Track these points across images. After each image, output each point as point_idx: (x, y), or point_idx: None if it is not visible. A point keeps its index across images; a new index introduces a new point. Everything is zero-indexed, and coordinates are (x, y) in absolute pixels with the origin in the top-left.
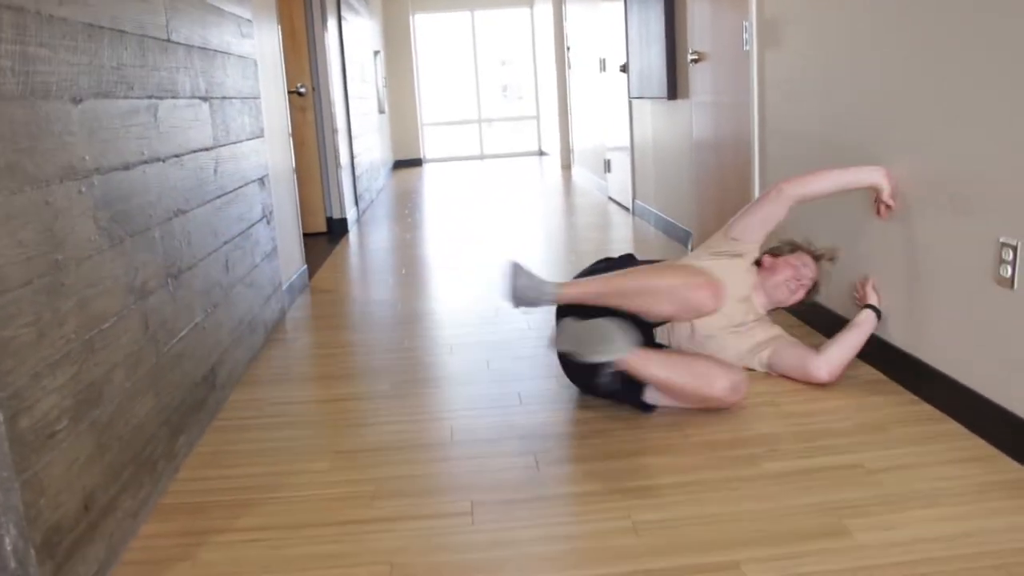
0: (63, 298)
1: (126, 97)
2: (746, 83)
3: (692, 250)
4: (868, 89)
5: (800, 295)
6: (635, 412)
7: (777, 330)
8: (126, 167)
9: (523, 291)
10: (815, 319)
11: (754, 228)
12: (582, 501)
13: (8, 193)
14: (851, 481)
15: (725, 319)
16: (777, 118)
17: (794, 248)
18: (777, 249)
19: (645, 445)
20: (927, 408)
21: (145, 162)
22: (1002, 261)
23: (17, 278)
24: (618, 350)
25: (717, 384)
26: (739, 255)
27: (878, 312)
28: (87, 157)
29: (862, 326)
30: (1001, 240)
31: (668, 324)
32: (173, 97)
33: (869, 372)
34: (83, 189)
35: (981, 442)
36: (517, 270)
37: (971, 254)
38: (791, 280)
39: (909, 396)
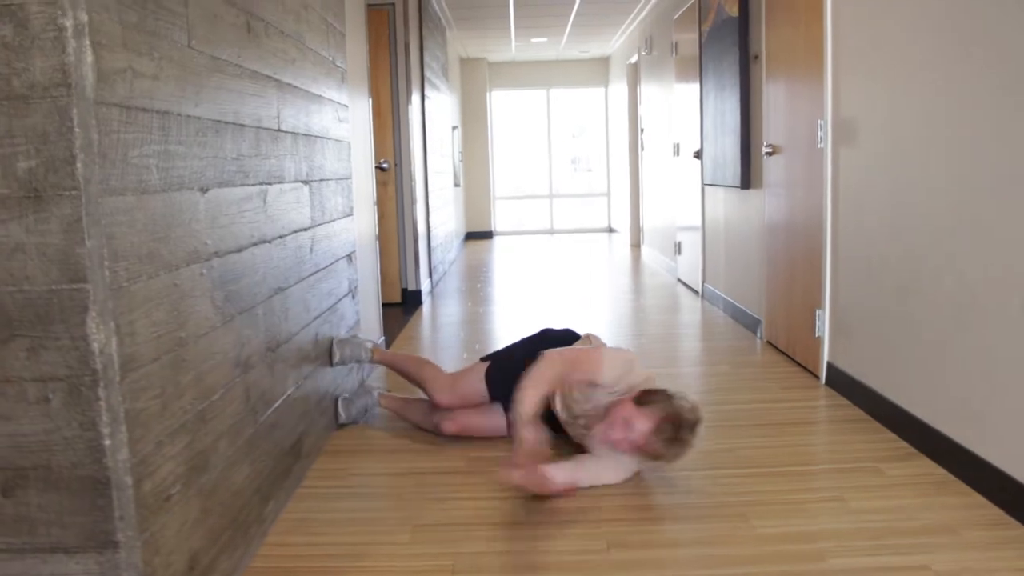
0: (183, 372)
1: (242, 185)
2: (819, 178)
3: (760, 338)
4: (939, 189)
5: (626, 450)
6: (702, 500)
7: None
8: (239, 249)
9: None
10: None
11: None
12: None
13: (147, 278)
14: None
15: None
16: (849, 213)
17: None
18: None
19: (712, 534)
20: (997, 512)
21: (255, 244)
22: None
23: (149, 354)
24: None
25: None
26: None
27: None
28: (209, 242)
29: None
30: None
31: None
32: (280, 182)
33: (937, 471)
34: (204, 271)
35: None
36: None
37: None
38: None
39: (979, 499)
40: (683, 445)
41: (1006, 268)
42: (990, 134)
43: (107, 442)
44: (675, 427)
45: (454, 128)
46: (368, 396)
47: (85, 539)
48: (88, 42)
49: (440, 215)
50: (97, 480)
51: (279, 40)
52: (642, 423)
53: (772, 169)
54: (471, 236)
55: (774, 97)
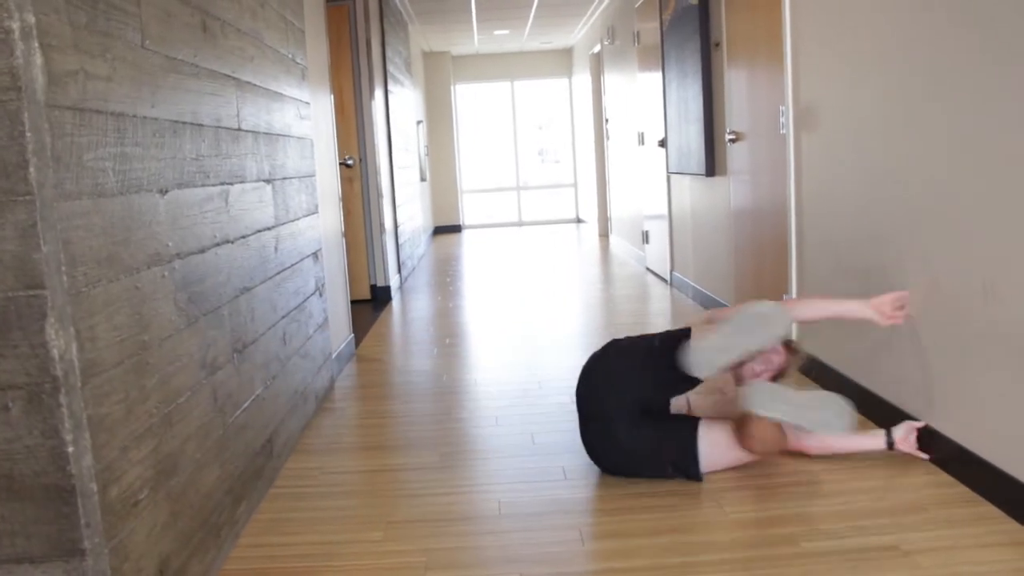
0: (148, 376)
1: (203, 185)
2: (783, 164)
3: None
4: (901, 172)
5: (767, 376)
6: (675, 488)
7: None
8: (202, 250)
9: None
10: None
11: None
12: None
13: (107, 282)
14: (889, 562)
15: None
16: (813, 198)
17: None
18: None
19: (686, 522)
20: (964, 490)
21: (217, 244)
22: None
23: (112, 359)
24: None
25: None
26: None
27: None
28: (170, 243)
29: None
30: None
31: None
32: (241, 182)
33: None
34: (166, 273)
35: (1019, 526)
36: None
37: (1008, 340)
38: (760, 363)
39: (946, 478)
40: (798, 350)
41: (969, 251)
42: (952, 116)
43: (70, 449)
44: (787, 343)
45: (419, 123)
46: None
47: (51, 548)
48: (37, 44)
49: (407, 210)
50: (61, 488)
51: (236, 38)
52: (776, 354)
53: (736, 156)
54: (440, 230)
55: (736, 84)
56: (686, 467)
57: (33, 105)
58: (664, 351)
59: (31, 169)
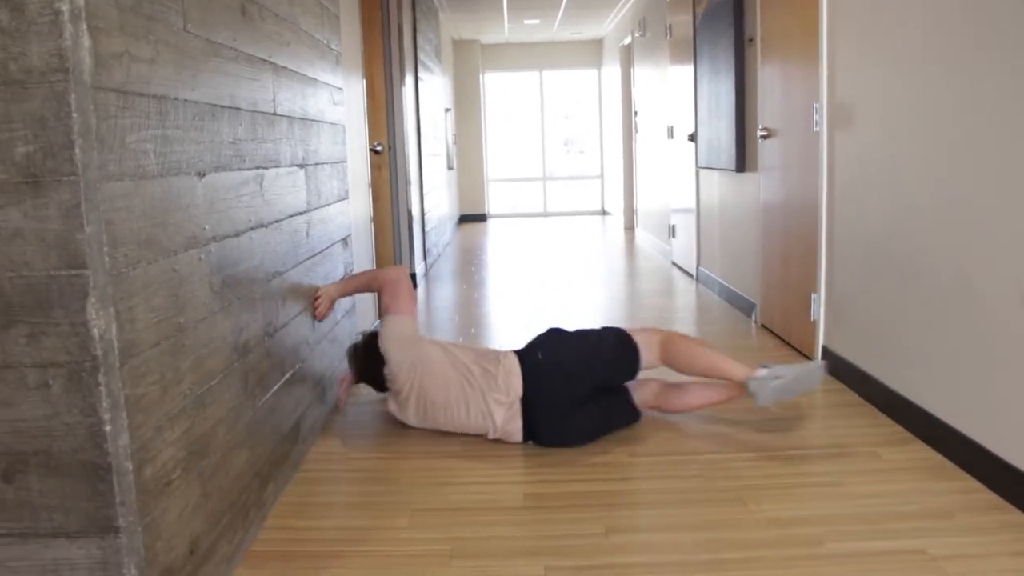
0: (183, 357)
1: (239, 169)
2: (815, 162)
3: (754, 321)
4: (937, 176)
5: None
6: (701, 485)
7: None
8: (237, 234)
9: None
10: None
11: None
12: (648, 571)
13: (146, 263)
14: (914, 567)
15: None
16: (845, 198)
17: None
18: None
19: (711, 519)
20: (994, 497)
21: (252, 228)
22: None
23: (149, 340)
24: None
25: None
26: None
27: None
28: (207, 226)
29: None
30: None
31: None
32: (276, 166)
33: (934, 456)
34: (202, 256)
35: None
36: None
37: None
38: None
39: (975, 483)
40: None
41: (1005, 257)
42: (990, 120)
43: (108, 428)
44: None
45: (447, 110)
46: None
47: (87, 524)
48: (85, 26)
49: (434, 198)
50: (98, 465)
51: (274, 23)
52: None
53: (767, 152)
54: (465, 219)
55: (769, 80)
56: (631, 417)
57: (80, 87)
58: (612, 361)
59: (76, 150)
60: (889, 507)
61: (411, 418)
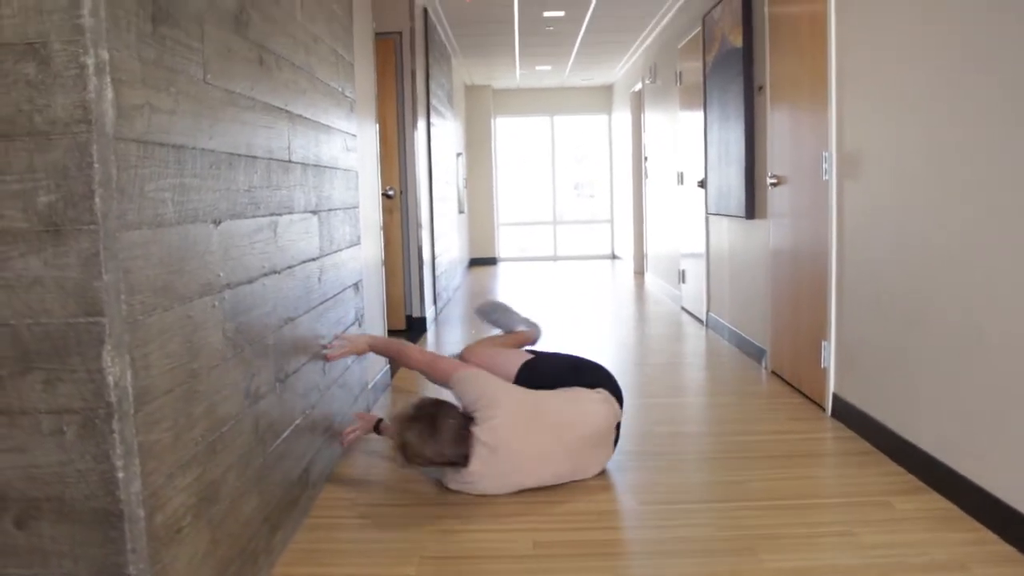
0: (195, 404)
1: (254, 216)
2: (824, 210)
3: (765, 368)
4: (945, 222)
5: None
6: (713, 534)
7: None
8: (250, 281)
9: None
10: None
11: None
12: None
13: (162, 311)
14: None
15: None
16: (855, 244)
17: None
18: None
19: (722, 568)
20: (1006, 548)
21: (265, 275)
22: None
23: (163, 387)
24: None
25: None
26: None
27: None
28: (221, 273)
29: None
30: None
31: None
32: (290, 213)
33: (946, 505)
34: (216, 303)
35: None
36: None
37: None
38: None
39: (988, 535)
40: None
41: (1013, 302)
42: (997, 165)
43: (120, 475)
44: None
45: (458, 155)
46: None
47: (97, 571)
48: (109, 79)
49: (445, 241)
50: (110, 512)
51: (290, 72)
52: None
53: (777, 199)
54: (475, 262)
55: (779, 127)
56: None
57: (102, 138)
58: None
59: (96, 199)
60: (901, 557)
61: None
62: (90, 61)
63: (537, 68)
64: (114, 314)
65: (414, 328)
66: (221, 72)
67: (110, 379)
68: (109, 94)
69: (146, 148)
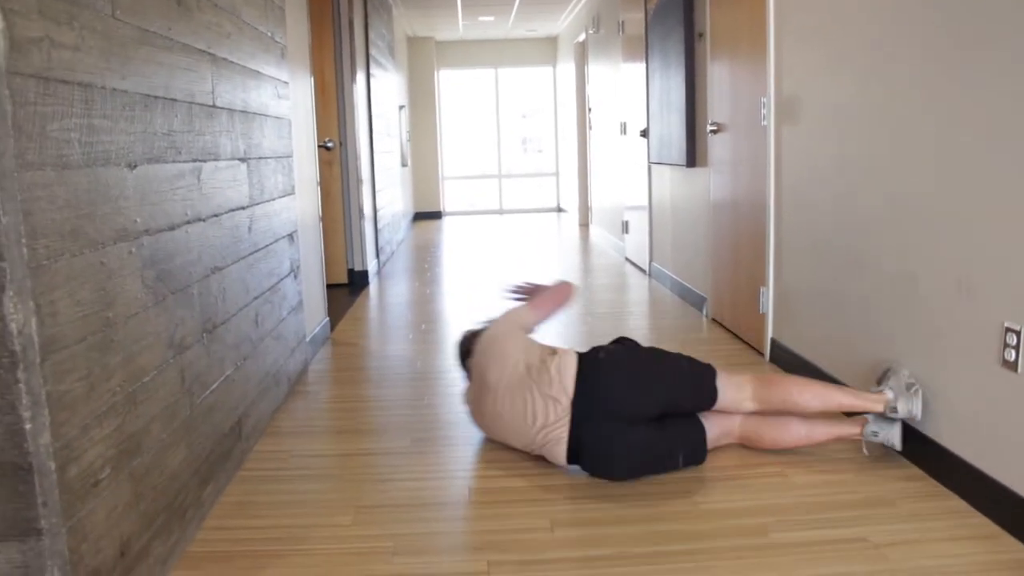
0: (112, 354)
1: (174, 161)
2: (763, 156)
3: (705, 315)
4: (880, 168)
5: None
6: (645, 478)
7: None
8: (171, 228)
9: None
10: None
11: None
12: (593, 565)
13: (70, 256)
14: (857, 555)
15: None
16: (792, 190)
17: None
18: None
19: (656, 511)
20: (933, 484)
21: (188, 222)
22: (1006, 345)
23: (74, 335)
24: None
25: None
26: None
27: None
28: (138, 219)
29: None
30: (1006, 325)
31: None
32: (215, 159)
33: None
34: (133, 250)
35: (986, 520)
36: None
37: (977, 338)
38: None
39: (916, 471)
40: None
41: (945, 248)
42: (931, 112)
43: (28, 426)
44: None
45: (401, 108)
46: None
47: (7, 528)
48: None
49: (387, 195)
50: (18, 466)
51: (212, 13)
52: None
53: (717, 147)
54: (420, 216)
55: (718, 75)
56: (696, 453)
57: None
58: (685, 375)
59: None
60: (832, 496)
61: (469, 403)
62: None
63: (480, 19)
64: (15, 258)
65: (356, 282)
66: (132, 9)
67: (13, 327)
68: (0, 25)
69: (47, 84)
